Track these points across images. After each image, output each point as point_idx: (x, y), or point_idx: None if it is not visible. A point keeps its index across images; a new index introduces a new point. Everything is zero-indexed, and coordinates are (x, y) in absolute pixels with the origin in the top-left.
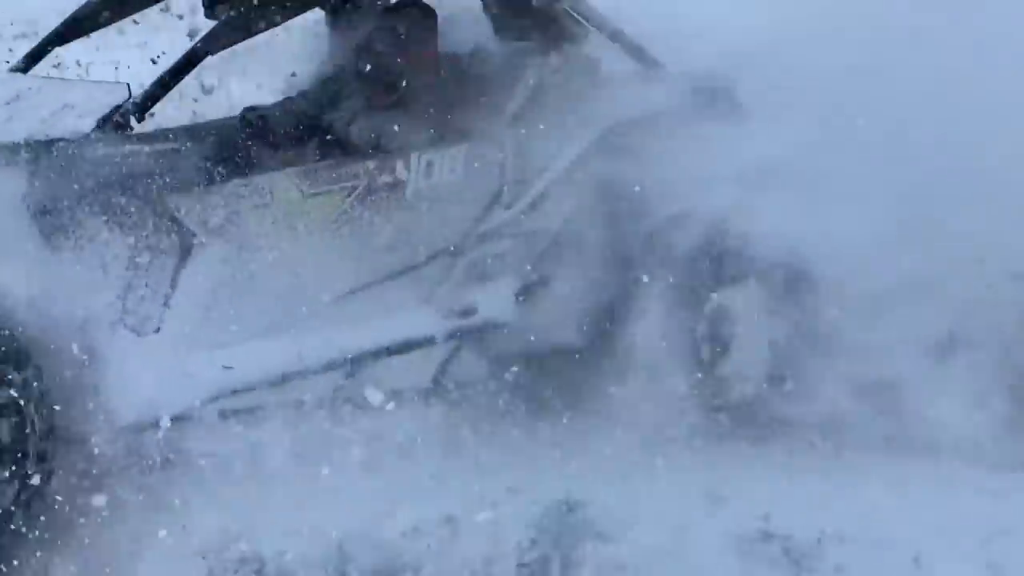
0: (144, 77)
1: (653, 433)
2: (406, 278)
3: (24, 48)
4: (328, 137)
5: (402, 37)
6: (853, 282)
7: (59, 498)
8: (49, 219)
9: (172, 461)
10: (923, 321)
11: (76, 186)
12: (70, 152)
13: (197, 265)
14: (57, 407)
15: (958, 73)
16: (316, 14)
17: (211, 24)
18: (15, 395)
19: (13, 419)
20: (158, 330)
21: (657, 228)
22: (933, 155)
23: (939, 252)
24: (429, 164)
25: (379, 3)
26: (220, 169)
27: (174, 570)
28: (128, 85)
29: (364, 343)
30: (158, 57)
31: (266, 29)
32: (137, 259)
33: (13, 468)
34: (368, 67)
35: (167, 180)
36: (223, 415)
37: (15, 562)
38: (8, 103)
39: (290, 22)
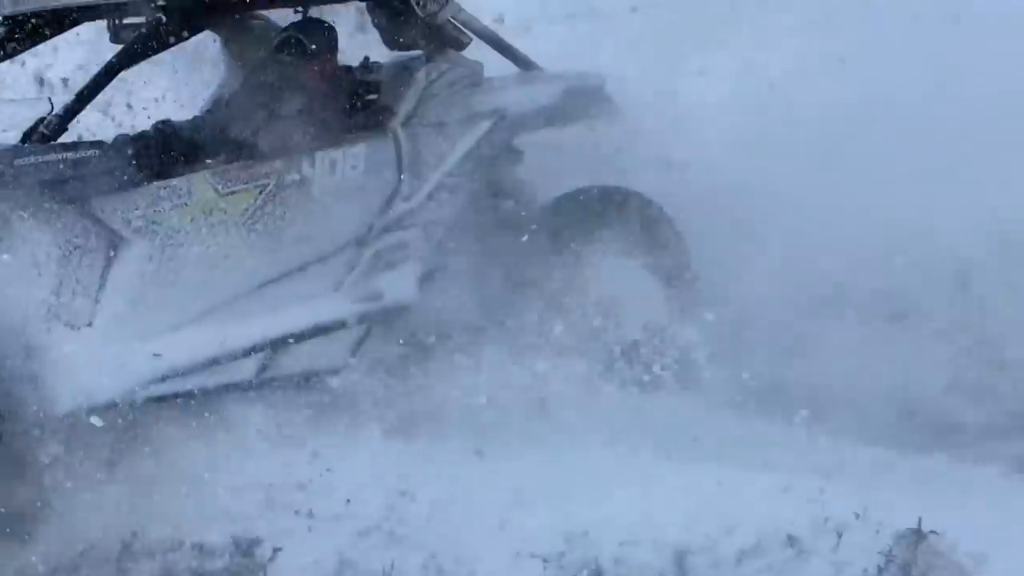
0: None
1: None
2: (317, 268)
3: None
4: (238, 143)
5: (307, 49)
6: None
7: None
8: None
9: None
10: None
11: (5, 192)
12: (31, 162)
13: (123, 263)
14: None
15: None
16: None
17: None
18: None
19: None
20: (90, 324)
21: (548, 214)
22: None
23: None
24: (332, 162)
25: (272, 26)
26: (139, 174)
27: None
28: (50, 99)
29: (281, 329)
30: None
31: (172, 46)
32: (67, 258)
33: None
34: (276, 76)
35: (91, 185)
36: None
37: None
38: None
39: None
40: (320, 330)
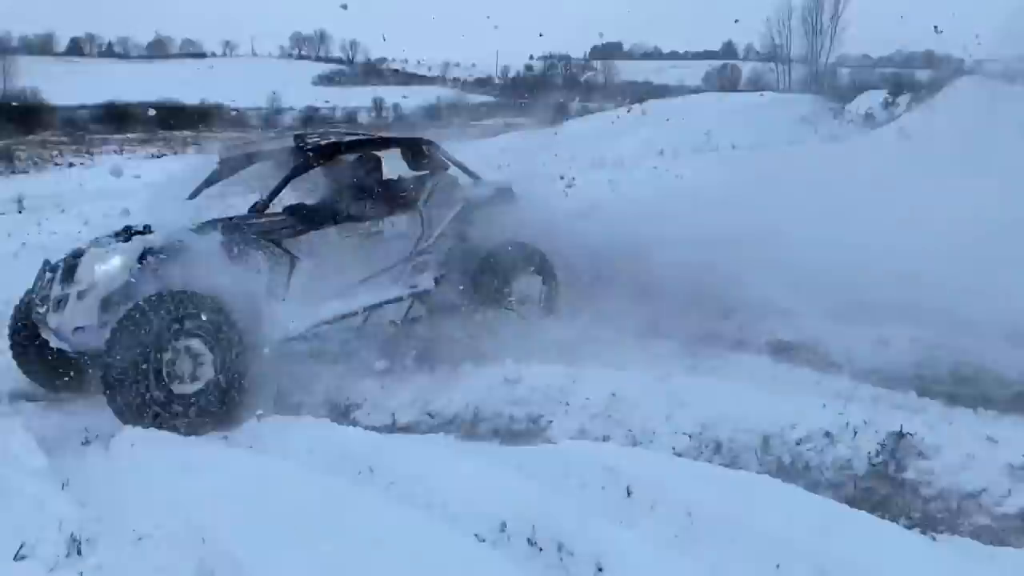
0: None
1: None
2: (388, 272)
3: None
4: (349, 214)
5: (372, 170)
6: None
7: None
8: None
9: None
10: None
11: (247, 237)
12: (254, 222)
13: (298, 269)
14: (245, 336)
15: None
16: None
17: None
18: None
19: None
20: (284, 299)
21: (491, 251)
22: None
23: None
24: (392, 222)
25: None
26: (302, 227)
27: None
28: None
29: (375, 300)
30: None
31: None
32: (274, 267)
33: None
34: (358, 181)
35: (281, 232)
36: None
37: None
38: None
39: None
40: (390, 301)
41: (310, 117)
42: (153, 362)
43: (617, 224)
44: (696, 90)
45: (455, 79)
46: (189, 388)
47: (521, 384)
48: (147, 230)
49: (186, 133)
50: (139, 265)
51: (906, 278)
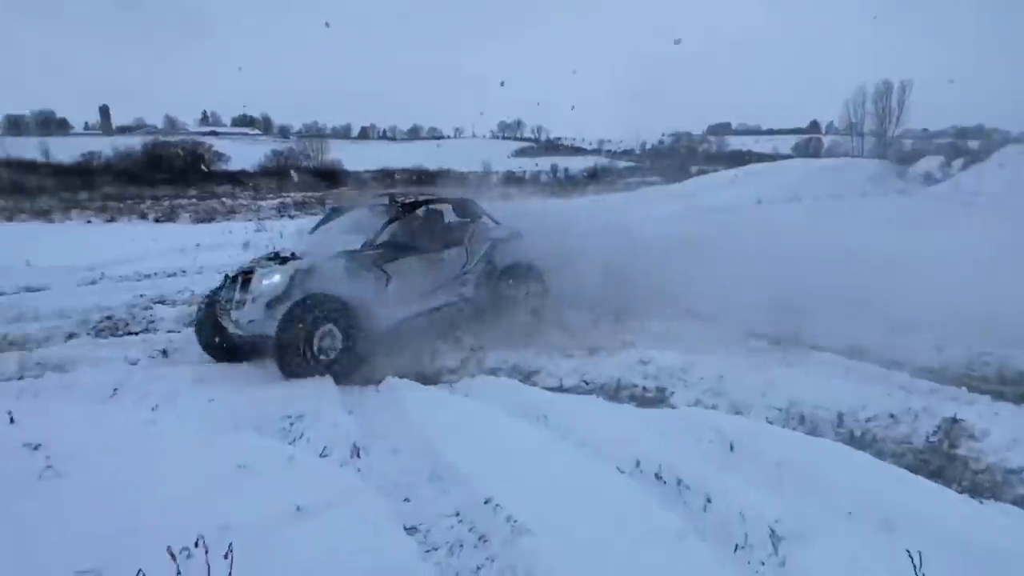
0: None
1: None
2: (445, 285)
3: None
4: (423, 247)
5: (436, 218)
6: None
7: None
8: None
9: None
10: None
11: (365, 262)
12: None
13: (392, 281)
14: (361, 324)
15: None
16: None
17: None
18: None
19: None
20: (383, 301)
21: (506, 268)
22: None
23: None
24: (449, 253)
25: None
26: (392, 254)
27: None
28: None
29: (438, 303)
30: None
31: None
32: (376, 280)
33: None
34: (426, 226)
35: (383, 258)
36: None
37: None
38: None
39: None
40: (446, 305)
41: (508, 177)
42: (307, 339)
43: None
44: (786, 157)
45: (608, 151)
46: (328, 356)
47: (651, 364)
48: (293, 256)
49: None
50: (291, 280)
51: (957, 296)
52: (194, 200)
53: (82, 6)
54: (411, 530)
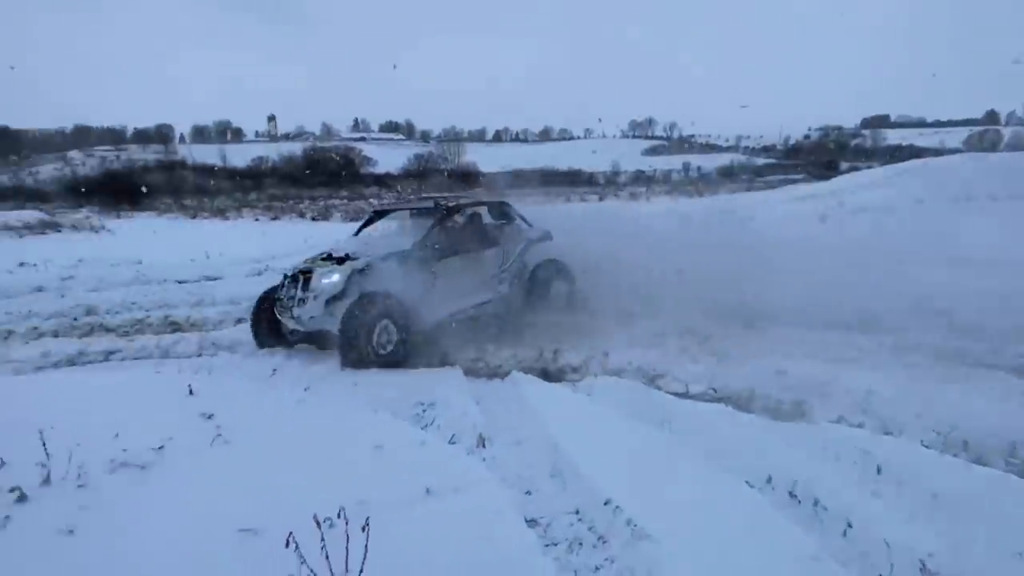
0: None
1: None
2: (484, 283)
3: None
4: (466, 248)
5: (476, 220)
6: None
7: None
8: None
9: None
10: None
11: (414, 262)
12: (415, 253)
13: (439, 278)
14: (413, 319)
15: None
16: None
17: None
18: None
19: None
20: (428, 299)
21: (537, 266)
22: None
23: None
24: (489, 253)
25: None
26: (439, 254)
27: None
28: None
29: (480, 300)
30: None
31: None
32: (425, 278)
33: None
34: (468, 227)
35: (431, 256)
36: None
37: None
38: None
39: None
40: (487, 301)
41: (638, 177)
42: (367, 334)
43: None
44: (954, 151)
45: (746, 147)
46: (386, 349)
47: (788, 375)
48: (347, 256)
49: (559, 188)
50: (348, 279)
51: None
52: (345, 200)
53: (255, 28)
54: (532, 523)
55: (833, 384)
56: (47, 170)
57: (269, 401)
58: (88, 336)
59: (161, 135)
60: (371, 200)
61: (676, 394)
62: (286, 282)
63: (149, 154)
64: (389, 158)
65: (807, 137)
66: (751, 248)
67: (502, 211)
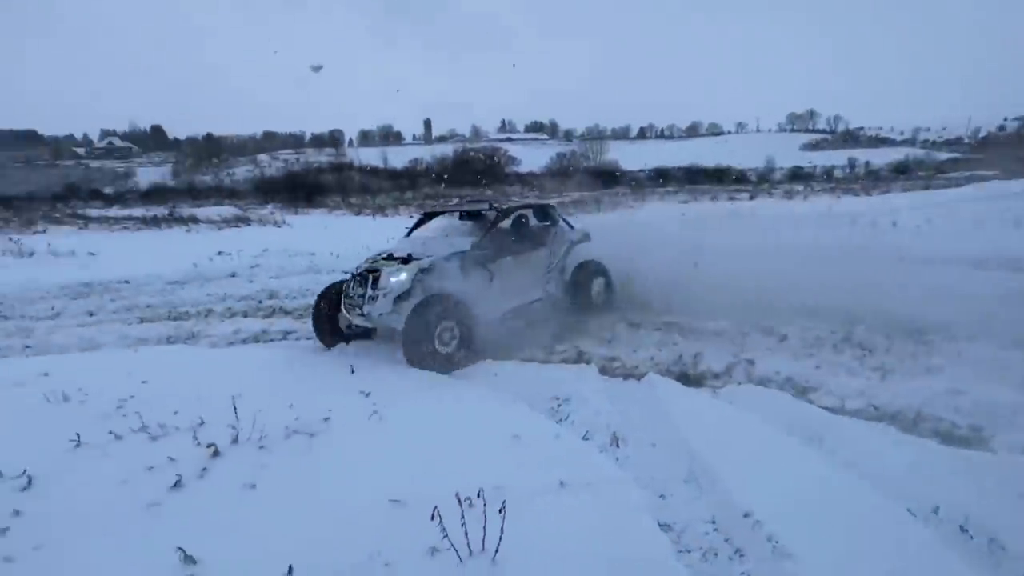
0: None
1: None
2: (534, 282)
3: None
4: (515, 250)
5: (526, 223)
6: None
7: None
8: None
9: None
10: None
11: (469, 263)
12: (474, 253)
13: (495, 278)
14: (473, 318)
15: None
16: None
17: None
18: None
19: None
20: (486, 297)
21: (579, 265)
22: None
23: None
24: (537, 254)
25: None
26: (493, 255)
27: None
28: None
29: (531, 298)
30: None
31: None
32: (483, 277)
33: (460, 334)
34: (518, 229)
35: (487, 256)
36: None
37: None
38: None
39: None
40: (536, 301)
41: (795, 174)
42: (430, 333)
43: None
44: None
45: (924, 141)
46: (447, 348)
47: (965, 396)
48: (410, 257)
49: (704, 186)
50: (414, 278)
51: None
52: None
53: (413, 38)
54: (665, 527)
55: (1021, 411)
56: (241, 171)
57: (417, 384)
58: (270, 317)
59: (333, 139)
60: (512, 198)
61: (830, 409)
62: (353, 281)
63: (323, 156)
64: (533, 157)
65: (1002, 128)
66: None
67: (547, 213)
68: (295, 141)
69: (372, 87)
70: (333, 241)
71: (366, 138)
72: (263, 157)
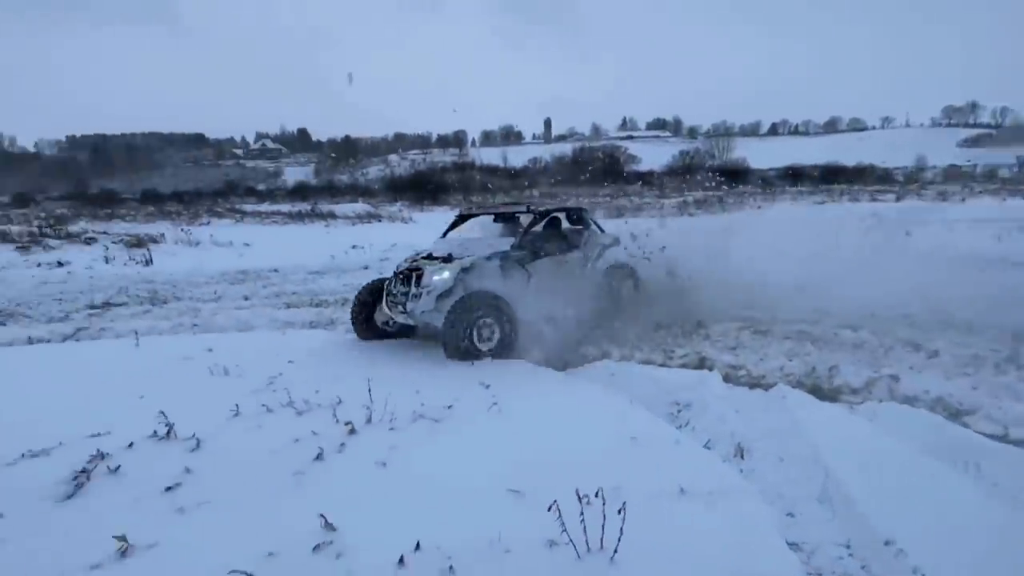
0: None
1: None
2: (578, 275)
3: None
4: (552, 251)
5: (559, 225)
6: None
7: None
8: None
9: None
10: None
11: (508, 264)
12: (513, 253)
13: (533, 279)
14: (513, 316)
15: None
16: None
17: None
18: (501, 312)
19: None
20: (524, 297)
21: (609, 267)
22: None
23: None
24: (573, 255)
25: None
26: (529, 258)
27: None
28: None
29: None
30: None
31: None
32: (521, 279)
33: (500, 332)
34: (553, 232)
35: (524, 259)
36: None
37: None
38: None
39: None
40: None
41: (950, 173)
42: (469, 330)
43: None
44: None
45: None
46: (487, 345)
47: None
48: (451, 256)
49: (842, 186)
50: (456, 276)
51: None
52: (607, 198)
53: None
54: (793, 546)
55: None
56: (373, 170)
57: (535, 379)
58: None
59: (457, 139)
60: (632, 198)
61: (989, 435)
62: (396, 279)
63: (447, 156)
64: (654, 155)
65: None
66: None
67: (579, 217)
68: (422, 142)
69: (495, 88)
70: None
71: (488, 138)
72: (393, 157)
